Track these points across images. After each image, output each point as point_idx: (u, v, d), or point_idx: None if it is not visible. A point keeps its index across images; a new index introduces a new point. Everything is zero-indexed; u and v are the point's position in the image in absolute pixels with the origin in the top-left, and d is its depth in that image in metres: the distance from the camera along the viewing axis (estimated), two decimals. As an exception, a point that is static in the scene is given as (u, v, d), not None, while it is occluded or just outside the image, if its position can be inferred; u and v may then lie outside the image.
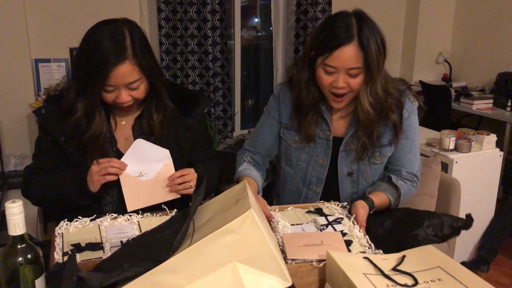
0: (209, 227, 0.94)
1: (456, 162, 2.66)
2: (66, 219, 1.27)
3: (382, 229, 1.29)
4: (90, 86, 1.32)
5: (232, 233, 0.87)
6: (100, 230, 1.25)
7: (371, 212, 1.39)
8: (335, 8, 3.74)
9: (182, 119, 1.50)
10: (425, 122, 3.82)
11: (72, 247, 1.14)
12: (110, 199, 1.43)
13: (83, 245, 1.15)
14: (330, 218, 1.32)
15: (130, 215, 1.32)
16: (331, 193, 1.56)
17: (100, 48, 1.28)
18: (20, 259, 0.89)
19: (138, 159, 1.40)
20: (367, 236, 1.24)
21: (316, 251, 1.13)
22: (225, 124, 3.82)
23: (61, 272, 0.93)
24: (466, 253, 2.92)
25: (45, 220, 2.87)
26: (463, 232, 1.31)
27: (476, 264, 2.79)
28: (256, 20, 4.43)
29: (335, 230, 1.26)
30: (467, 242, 2.89)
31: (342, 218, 1.32)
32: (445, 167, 2.63)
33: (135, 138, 1.47)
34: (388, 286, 0.94)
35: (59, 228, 1.25)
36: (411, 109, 1.53)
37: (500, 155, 2.83)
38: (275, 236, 1.17)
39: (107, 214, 1.32)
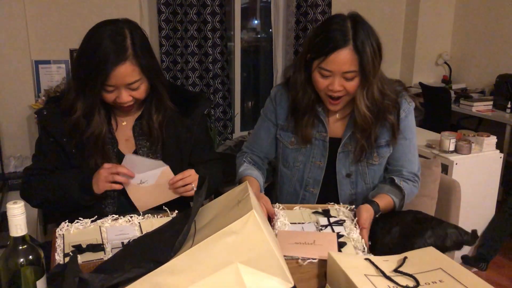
0: (210, 228, 0.94)
1: (456, 164, 2.66)
2: (67, 220, 1.27)
3: (389, 237, 1.28)
4: (90, 86, 1.32)
5: (234, 234, 0.87)
6: (101, 231, 1.24)
7: (377, 215, 1.38)
8: (335, 10, 3.74)
9: (182, 119, 1.50)
10: (425, 123, 3.84)
11: (73, 248, 1.13)
12: (111, 200, 1.43)
13: (84, 246, 1.15)
14: (333, 220, 1.32)
15: (131, 216, 1.32)
16: (329, 194, 1.56)
17: (100, 48, 1.28)
18: (22, 260, 0.89)
19: (135, 170, 1.39)
20: (363, 239, 1.24)
21: (306, 249, 1.14)
22: (225, 126, 3.83)
23: (62, 273, 0.93)
24: (465, 251, 2.92)
25: (45, 222, 2.87)
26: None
27: (475, 261, 2.79)
28: (256, 22, 4.44)
29: (333, 231, 1.26)
30: (467, 243, 2.89)
31: (344, 220, 1.32)
32: (445, 168, 2.63)
33: (135, 139, 1.48)
34: None
35: (60, 229, 1.24)
36: (408, 109, 1.53)
37: (500, 157, 2.83)
38: (272, 232, 1.18)
39: (108, 215, 1.32)
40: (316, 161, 1.57)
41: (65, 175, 1.40)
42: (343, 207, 1.41)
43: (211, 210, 1.09)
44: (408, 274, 0.98)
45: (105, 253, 1.13)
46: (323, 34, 1.40)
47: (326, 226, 1.29)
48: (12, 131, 3.14)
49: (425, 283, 0.95)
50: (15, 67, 3.09)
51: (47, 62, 3.23)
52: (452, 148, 2.72)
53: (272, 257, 0.88)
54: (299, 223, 1.32)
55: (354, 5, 1.45)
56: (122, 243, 1.17)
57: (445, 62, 4.64)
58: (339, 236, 1.23)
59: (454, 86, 4.42)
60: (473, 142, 2.76)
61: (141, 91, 1.37)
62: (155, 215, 1.35)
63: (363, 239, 1.24)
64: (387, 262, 1.04)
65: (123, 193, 1.41)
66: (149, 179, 1.41)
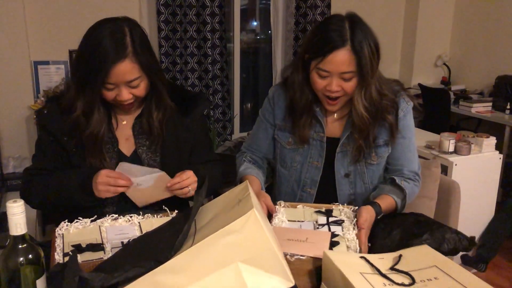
0: (211, 228, 0.94)
1: (455, 165, 2.66)
2: (66, 220, 1.27)
3: (389, 239, 1.28)
4: (90, 84, 1.31)
5: (235, 233, 0.87)
6: (100, 231, 1.24)
7: (378, 217, 1.37)
8: (334, 11, 3.72)
9: (181, 119, 1.50)
10: (424, 125, 3.84)
11: (72, 248, 1.13)
12: (111, 200, 1.43)
13: (83, 246, 1.15)
14: (332, 219, 1.32)
15: (131, 216, 1.31)
16: (327, 195, 1.56)
17: (100, 45, 1.28)
18: (21, 259, 0.89)
19: (131, 175, 1.38)
20: (360, 240, 1.23)
21: (296, 246, 1.14)
22: (224, 127, 3.82)
23: (62, 273, 0.92)
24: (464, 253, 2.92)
25: (43, 223, 2.86)
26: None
27: (474, 262, 2.79)
28: (255, 23, 4.44)
29: (329, 230, 1.26)
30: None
31: (343, 220, 1.32)
32: (445, 169, 2.63)
33: (135, 138, 1.47)
34: (385, 285, 0.94)
35: (60, 229, 1.24)
36: (407, 109, 1.53)
37: (500, 158, 2.83)
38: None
39: (107, 215, 1.32)
40: (314, 161, 1.57)
41: (65, 175, 1.39)
42: (347, 207, 1.40)
43: (212, 209, 1.09)
44: (404, 271, 0.98)
45: (104, 253, 1.13)
46: (321, 35, 1.40)
47: (323, 225, 1.29)
48: (11, 132, 3.13)
49: (421, 281, 0.95)
50: (14, 68, 3.09)
51: (46, 63, 3.23)
52: (451, 149, 2.72)
53: (272, 256, 0.88)
54: (298, 221, 1.33)
55: (353, 6, 1.45)
56: (122, 242, 1.17)
57: (444, 64, 4.65)
58: (334, 235, 1.23)
59: (453, 88, 4.43)
60: (472, 143, 2.76)
61: (141, 89, 1.37)
62: (155, 215, 1.34)
63: (358, 240, 1.23)
64: (382, 260, 1.04)
65: (122, 193, 1.41)
66: (146, 182, 1.39)
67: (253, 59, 4.48)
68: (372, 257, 1.05)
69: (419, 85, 4.21)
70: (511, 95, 3.79)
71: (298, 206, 1.43)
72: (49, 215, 2.74)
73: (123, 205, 1.42)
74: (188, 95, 1.56)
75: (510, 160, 3.64)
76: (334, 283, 0.98)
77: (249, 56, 4.40)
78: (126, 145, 1.47)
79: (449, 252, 1.21)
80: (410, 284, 0.94)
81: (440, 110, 3.98)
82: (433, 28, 4.55)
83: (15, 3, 3.02)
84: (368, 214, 1.32)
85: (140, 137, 1.48)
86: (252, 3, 4.28)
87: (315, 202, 1.56)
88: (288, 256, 1.12)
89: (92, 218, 1.29)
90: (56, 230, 1.24)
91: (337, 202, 1.52)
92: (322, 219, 1.32)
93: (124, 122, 1.49)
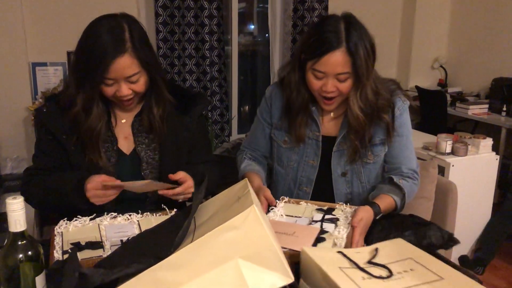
0: (210, 224, 0.94)
1: (452, 166, 2.67)
2: (65, 218, 1.27)
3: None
4: (90, 79, 1.32)
5: (234, 229, 0.87)
6: (99, 229, 1.24)
7: (377, 217, 1.37)
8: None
9: (180, 117, 1.50)
10: (421, 127, 3.86)
11: (72, 246, 1.13)
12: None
13: (83, 244, 1.14)
14: (328, 217, 1.32)
15: (130, 215, 1.31)
16: (324, 193, 1.56)
17: (99, 41, 1.28)
18: (21, 255, 0.89)
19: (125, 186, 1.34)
20: (346, 239, 1.22)
21: (281, 239, 1.14)
22: (222, 129, 3.83)
23: (62, 270, 0.92)
24: (464, 252, 2.92)
25: (41, 224, 2.85)
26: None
27: (472, 265, 2.80)
28: (252, 26, 4.46)
29: (321, 227, 1.26)
30: (463, 244, 2.90)
31: (337, 219, 1.32)
32: (442, 170, 2.64)
33: (134, 136, 1.47)
34: (364, 279, 0.94)
35: (59, 227, 1.24)
36: (403, 107, 1.54)
37: (496, 159, 2.85)
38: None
39: (106, 213, 1.32)
40: (309, 160, 1.58)
41: (61, 178, 1.38)
42: (349, 207, 1.40)
43: (211, 206, 1.09)
44: (381, 264, 1.00)
45: (104, 251, 1.13)
46: (316, 36, 1.41)
47: (317, 222, 1.29)
48: (9, 133, 3.13)
49: (397, 273, 0.97)
50: (12, 69, 3.09)
51: (44, 64, 3.23)
52: (448, 150, 2.74)
53: (272, 252, 0.88)
54: (295, 216, 1.34)
55: (350, 9, 1.46)
56: (121, 241, 1.17)
57: (441, 66, 4.67)
58: (323, 232, 1.23)
59: (450, 90, 4.45)
60: (469, 144, 2.78)
61: (140, 84, 1.37)
62: (154, 214, 1.34)
63: (352, 239, 1.22)
64: (359, 254, 1.05)
65: (121, 193, 1.40)
66: (134, 186, 1.35)
67: (251, 61, 4.49)
68: (349, 252, 1.06)
69: (416, 87, 4.23)
70: (507, 97, 3.81)
71: (301, 203, 1.44)
72: (47, 216, 2.74)
73: (122, 203, 1.42)
74: (188, 94, 1.56)
75: (506, 161, 3.66)
76: (313, 279, 0.99)
77: (247, 58, 4.41)
78: (126, 144, 1.47)
79: (428, 247, 1.21)
80: (388, 277, 0.95)
81: (437, 112, 4.00)
82: (430, 30, 4.57)
83: (13, 5, 3.02)
84: (364, 214, 1.31)
85: (140, 136, 1.48)
86: (250, 6, 4.29)
87: (311, 200, 1.57)
88: None
89: (91, 217, 1.29)
90: (55, 228, 1.24)
91: (334, 201, 1.53)
92: (318, 216, 1.33)
93: (123, 121, 1.49)
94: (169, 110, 1.47)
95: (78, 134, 1.39)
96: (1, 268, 0.89)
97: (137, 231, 1.23)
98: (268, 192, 1.42)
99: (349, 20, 1.42)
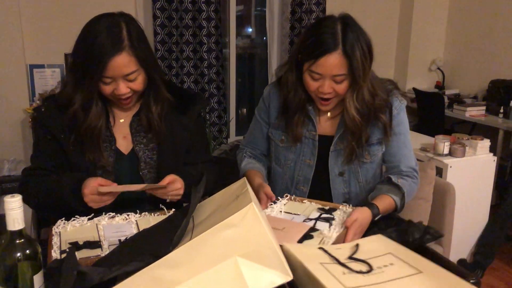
0: (209, 223, 0.94)
1: (450, 167, 2.67)
2: (63, 218, 1.26)
3: None
4: (88, 78, 1.32)
5: (233, 227, 0.87)
6: (97, 229, 1.24)
7: (376, 218, 1.36)
8: (330, 16, 3.77)
9: (178, 117, 1.50)
10: (419, 129, 3.86)
11: (69, 245, 1.13)
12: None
13: (81, 243, 1.14)
14: (324, 216, 1.32)
15: (128, 215, 1.31)
16: (321, 193, 1.57)
17: (97, 40, 1.29)
18: (19, 254, 0.88)
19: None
20: (337, 238, 1.22)
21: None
22: (220, 130, 3.83)
23: (60, 269, 0.92)
24: (463, 255, 2.92)
25: (39, 227, 2.84)
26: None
27: (472, 268, 2.80)
28: (250, 29, 4.47)
29: (313, 225, 1.27)
30: (462, 246, 2.90)
31: (332, 218, 1.32)
32: (440, 171, 2.65)
33: (132, 136, 1.47)
34: (345, 274, 0.95)
35: (57, 227, 1.24)
36: (400, 107, 1.55)
37: (494, 160, 2.85)
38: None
39: (104, 213, 1.31)
40: (306, 159, 1.58)
41: (58, 181, 1.37)
42: (351, 208, 1.39)
43: (209, 205, 1.09)
44: (361, 260, 1.00)
45: (102, 250, 1.12)
46: (313, 37, 1.42)
47: (311, 220, 1.30)
48: (6, 135, 3.12)
49: (377, 267, 0.97)
50: (10, 71, 3.08)
51: (42, 66, 3.23)
52: (446, 151, 2.74)
53: (271, 250, 0.88)
54: (294, 213, 1.35)
55: (348, 11, 1.46)
56: (119, 240, 1.17)
57: (438, 68, 4.69)
58: (313, 229, 1.23)
59: (447, 92, 4.46)
60: (467, 145, 2.78)
61: (138, 82, 1.37)
62: (152, 213, 1.34)
63: (335, 238, 1.21)
64: (340, 250, 1.06)
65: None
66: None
67: (249, 64, 4.50)
68: (329, 248, 1.07)
69: (414, 89, 4.24)
70: (505, 98, 3.82)
71: (305, 201, 1.45)
72: (44, 218, 2.73)
73: (120, 203, 1.41)
74: (186, 94, 1.57)
75: (503, 162, 3.67)
76: (295, 275, 0.98)
77: (245, 61, 4.42)
78: (124, 143, 1.47)
79: (411, 243, 1.22)
80: (368, 271, 0.96)
81: (434, 114, 4.01)
82: (427, 33, 4.59)
83: (11, 6, 3.02)
84: (360, 214, 1.29)
85: (138, 135, 1.48)
86: (248, 9, 4.31)
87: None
88: None
89: (89, 216, 1.28)
90: (53, 228, 1.23)
91: (332, 200, 1.53)
92: (315, 215, 1.33)
93: (122, 120, 1.49)
94: (167, 109, 1.48)
95: (77, 133, 1.38)
96: (-1, 267, 0.89)
97: (135, 231, 1.23)
98: (268, 189, 1.42)
99: (346, 22, 1.42)
